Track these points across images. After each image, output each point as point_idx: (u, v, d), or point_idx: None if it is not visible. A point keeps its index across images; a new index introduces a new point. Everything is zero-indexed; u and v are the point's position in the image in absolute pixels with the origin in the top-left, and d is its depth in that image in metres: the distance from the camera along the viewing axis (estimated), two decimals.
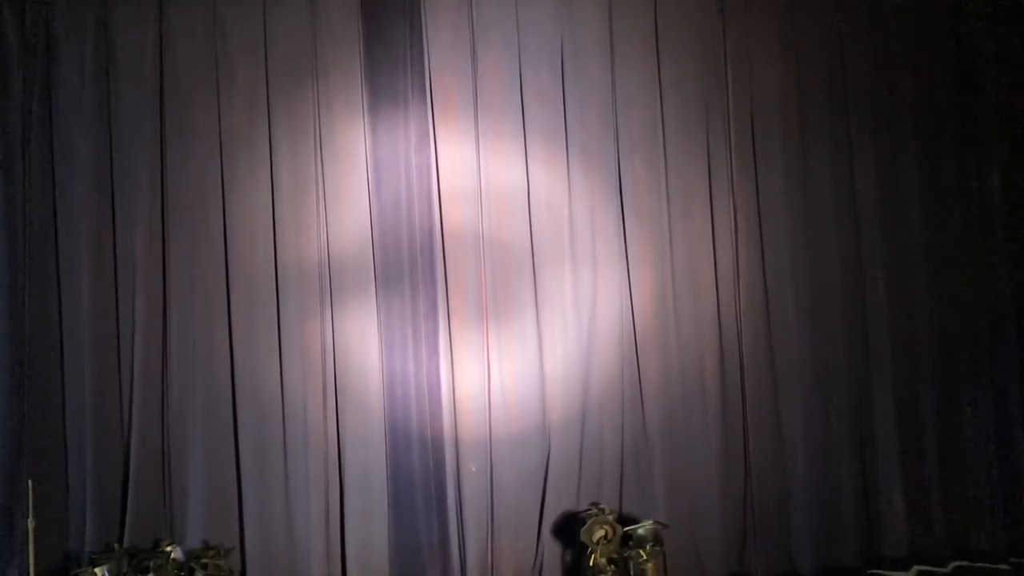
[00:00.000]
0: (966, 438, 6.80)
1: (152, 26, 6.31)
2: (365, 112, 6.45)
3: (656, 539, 6.04)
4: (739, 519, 6.50)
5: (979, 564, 6.63)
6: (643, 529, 6.06)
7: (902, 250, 6.84)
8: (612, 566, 6.01)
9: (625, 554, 6.04)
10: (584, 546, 6.09)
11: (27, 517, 5.66)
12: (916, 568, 6.59)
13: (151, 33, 6.31)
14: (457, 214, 6.46)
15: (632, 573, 6.00)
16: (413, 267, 6.41)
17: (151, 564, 5.80)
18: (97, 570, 5.71)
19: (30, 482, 5.70)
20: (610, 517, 6.11)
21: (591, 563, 6.03)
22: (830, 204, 6.78)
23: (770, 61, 6.78)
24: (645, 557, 5.97)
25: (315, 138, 6.40)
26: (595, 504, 6.24)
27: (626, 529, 6.09)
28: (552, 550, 6.35)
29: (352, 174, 6.44)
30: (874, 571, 6.56)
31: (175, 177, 6.29)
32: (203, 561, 5.87)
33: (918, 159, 6.88)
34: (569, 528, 6.29)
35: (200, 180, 6.32)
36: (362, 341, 6.37)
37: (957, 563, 6.65)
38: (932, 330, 6.82)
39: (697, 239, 6.69)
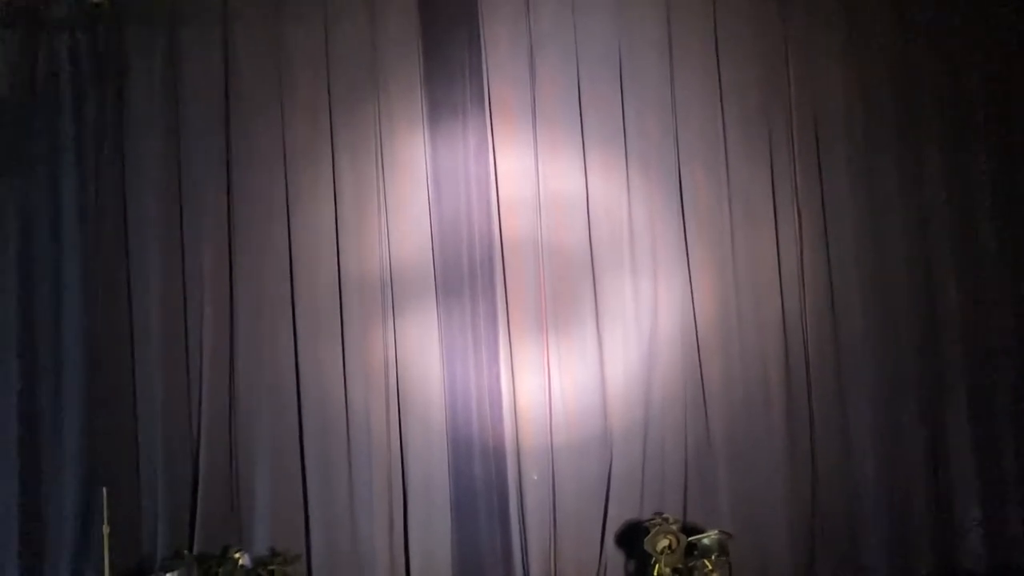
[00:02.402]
0: None
1: (217, 46, 6.47)
2: (425, 123, 6.54)
3: (721, 549, 5.97)
4: (806, 529, 6.39)
5: None
6: (708, 539, 6.00)
7: (973, 255, 6.67)
8: None
9: (690, 564, 5.98)
10: (647, 556, 6.04)
11: (102, 523, 5.82)
12: None
13: (216, 53, 6.46)
14: (516, 223, 6.50)
15: None
16: (473, 276, 6.46)
17: (220, 570, 5.93)
18: (168, 575, 5.85)
19: (104, 490, 5.86)
20: (674, 527, 6.06)
21: (655, 573, 5.99)
22: (898, 208, 6.67)
23: (833, 63, 6.71)
24: (710, 567, 5.91)
25: (376, 150, 6.50)
26: (659, 513, 6.20)
27: (690, 539, 6.03)
28: (615, 560, 6.31)
29: (412, 185, 6.53)
30: None
31: (241, 192, 6.43)
32: (270, 567, 5.98)
33: (988, 159, 6.71)
34: (632, 537, 6.25)
35: (265, 194, 6.45)
36: (423, 351, 6.43)
37: None
38: (1007, 336, 6.63)
39: (761, 246, 6.63)
